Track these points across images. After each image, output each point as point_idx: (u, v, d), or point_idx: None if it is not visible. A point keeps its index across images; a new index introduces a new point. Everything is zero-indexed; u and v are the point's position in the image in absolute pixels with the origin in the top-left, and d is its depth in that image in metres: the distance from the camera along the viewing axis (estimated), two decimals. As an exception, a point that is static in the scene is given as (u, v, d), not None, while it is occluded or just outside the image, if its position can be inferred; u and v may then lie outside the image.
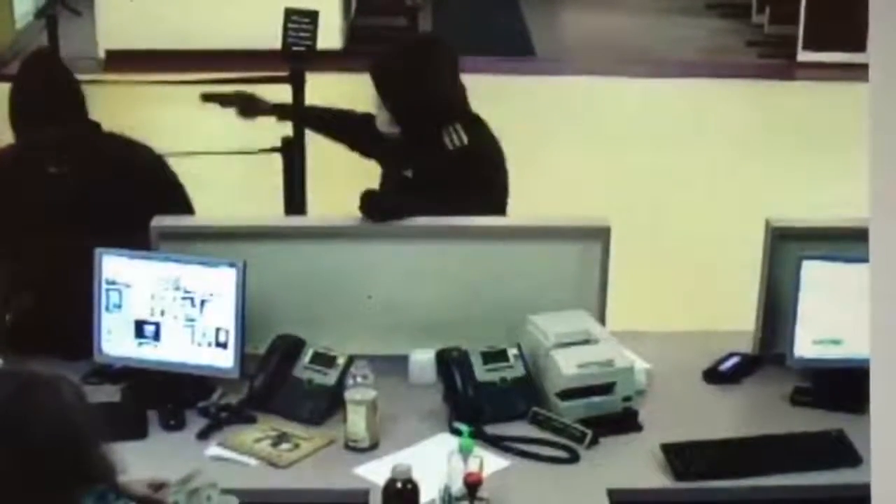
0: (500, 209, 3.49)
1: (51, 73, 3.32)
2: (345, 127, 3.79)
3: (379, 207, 3.24)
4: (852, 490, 2.67)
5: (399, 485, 2.53)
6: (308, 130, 4.45)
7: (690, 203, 6.74)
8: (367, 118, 3.62)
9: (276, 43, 5.88)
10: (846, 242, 2.98)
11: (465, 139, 3.43)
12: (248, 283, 3.01)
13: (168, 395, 3.00)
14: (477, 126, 3.51)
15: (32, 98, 3.23)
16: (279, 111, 3.98)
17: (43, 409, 2.00)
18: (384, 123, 3.50)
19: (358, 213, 3.24)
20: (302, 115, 4.31)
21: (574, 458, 2.83)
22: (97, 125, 3.37)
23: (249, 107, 3.86)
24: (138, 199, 3.23)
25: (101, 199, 3.20)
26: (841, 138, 7.52)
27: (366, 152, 3.71)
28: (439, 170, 3.38)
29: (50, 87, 3.25)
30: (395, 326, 3.24)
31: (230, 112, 3.64)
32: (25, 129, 3.22)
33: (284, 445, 2.86)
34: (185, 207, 3.39)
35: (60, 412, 2.01)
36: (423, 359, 3.15)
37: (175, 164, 3.49)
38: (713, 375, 3.21)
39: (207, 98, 3.93)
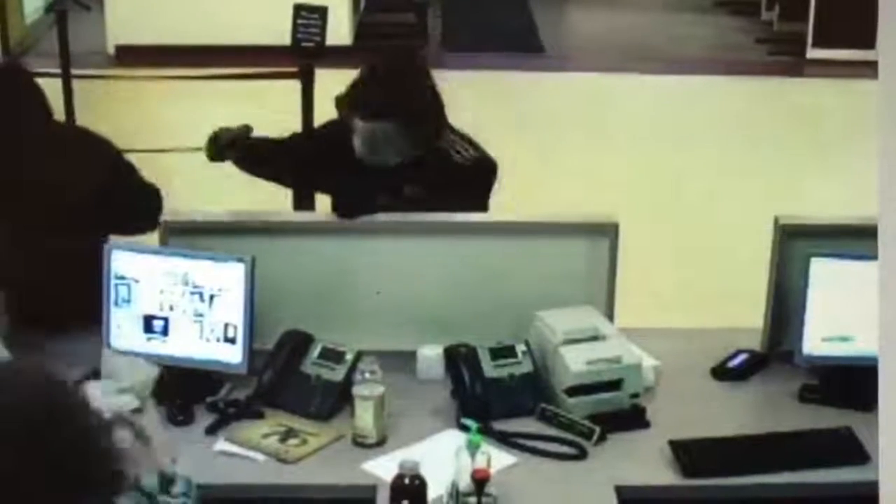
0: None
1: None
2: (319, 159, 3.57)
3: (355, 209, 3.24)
4: (860, 487, 2.66)
5: (407, 480, 2.54)
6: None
7: (699, 200, 6.74)
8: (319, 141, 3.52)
9: (284, 38, 5.87)
10: (855, 240, 2.98)
11: (472, 151, 3.44)
12: (257, 279, 3.02)
13: (176, 391, 3.01)
14: (466, 136, 3.50)
15: None
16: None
17: (60, 410, 1.97)
18: (372, 149, 3.35)
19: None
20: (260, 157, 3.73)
21: (582, 454, 2.83)
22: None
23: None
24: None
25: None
26: (850, 135, 7.52)
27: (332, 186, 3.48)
28: (454, 184, 3.37)
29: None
30: (404, 322, 3.24)
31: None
32: None
33: (292, 441, 2.87)
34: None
35: (75, 412, 2.00)
36: (431, 355, 3.15)
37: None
38: (721, 372, 3.21)
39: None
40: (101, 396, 2.75)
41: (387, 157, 3.35)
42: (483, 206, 3.47)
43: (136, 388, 2.87)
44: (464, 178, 3.42)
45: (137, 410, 2.77)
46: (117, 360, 2.98)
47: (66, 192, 3.28)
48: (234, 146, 3.53)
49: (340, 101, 3.39)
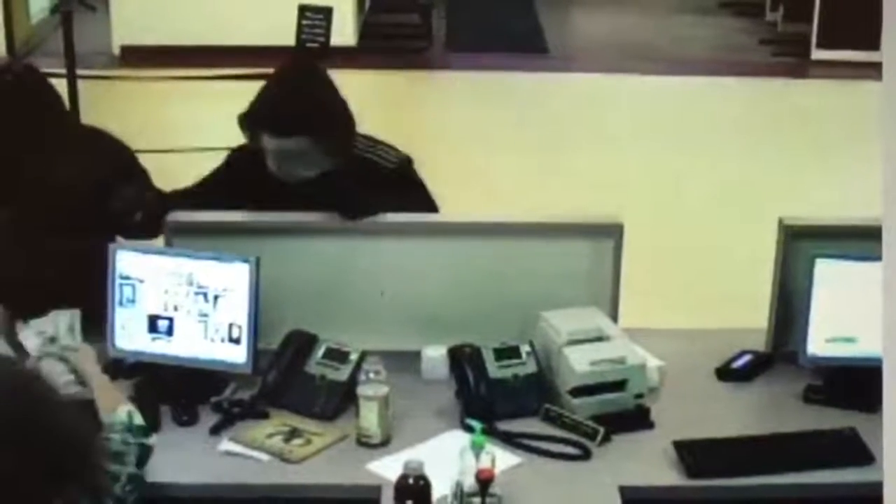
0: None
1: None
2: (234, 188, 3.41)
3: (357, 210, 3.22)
4: (864, 489, 2.66)
5: (411, 481, 2.54)
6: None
7: (703, 200, 6.74)
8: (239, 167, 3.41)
9: (289, 39, 5.89)
10: (859, 241, 2.98)
11: (391, 151, 3.43)
12: (262, 279, 3.02)
13: (181, 391, 3.01)
14: (371, 137, 3.46)
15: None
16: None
17: (41, 407, 2.04)
18: (287, 165, 3.27)
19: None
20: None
21: (586, 455, 2.83)
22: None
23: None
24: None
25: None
26: (854, 136, 7.52)
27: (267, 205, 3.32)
28: (390, 188, 3.33)
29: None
30: (408, 322, 3.24)
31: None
32: None
33: (296, 441, 2.87)
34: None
35: (56, 409, 2.07)
36: (435, 355, 3.15)
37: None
38: (726, 373, 3.21)
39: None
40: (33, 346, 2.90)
41: (303, 172, 3.27)
42: (432, 203, 3.43)
43: (61, 333, 2.91)
44: (397, 180, 3.38)
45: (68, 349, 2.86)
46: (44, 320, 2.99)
47: (76, 190, 3.28)
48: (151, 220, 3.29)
49: (245, 121, 3.29)
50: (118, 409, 2.60)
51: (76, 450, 2.08)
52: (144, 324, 3.08)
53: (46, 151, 3.31)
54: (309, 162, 3.26)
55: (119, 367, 3.09)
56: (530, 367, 3.03)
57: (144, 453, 2.56)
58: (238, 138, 3.40)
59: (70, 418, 2.11)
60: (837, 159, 7.45)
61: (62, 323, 2.91)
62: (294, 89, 3.32)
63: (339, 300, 3.25)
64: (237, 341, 3.03)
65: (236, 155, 3.49)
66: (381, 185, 3.32)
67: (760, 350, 3.27)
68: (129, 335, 3.09)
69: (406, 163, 3.45)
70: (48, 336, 2.96)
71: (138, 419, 2.59)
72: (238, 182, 3.39)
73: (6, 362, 2.37)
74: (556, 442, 2.87)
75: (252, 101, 3.31)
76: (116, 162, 3.45)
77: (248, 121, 3.29)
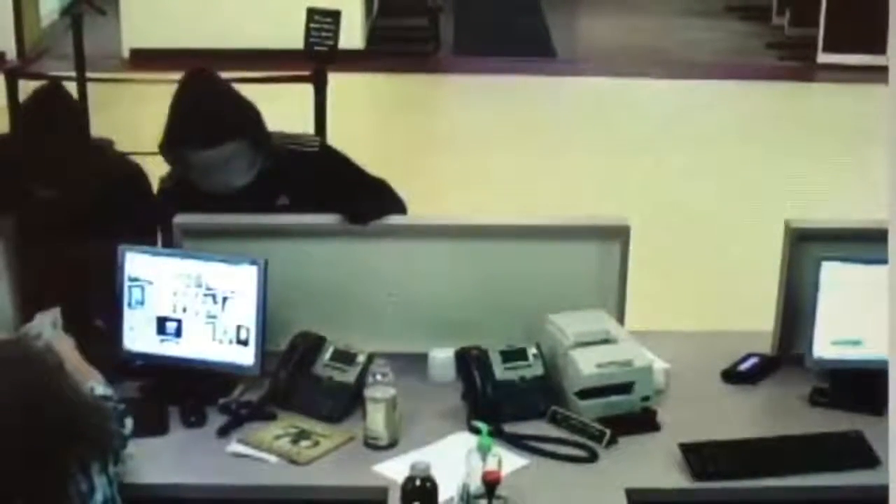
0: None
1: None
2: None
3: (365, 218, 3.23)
4: (870, 491, 2.66)
5: (418, 482, 2.54)
6: None
7: (710, 203, 6.75)
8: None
9: (298, 42, 5.91)
10: (866, 244, 2.98)
11: (306, 137, 3.45)
12: (270, 281, 3.03)
13: (189, 392, 3.02)
14: (280, 132, 3.45)
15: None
16: None
17: (49, 375, 2.27)
18: (214, 177, 3.25)
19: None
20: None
21: (592, 457, 2.84)
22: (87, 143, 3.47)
23: None
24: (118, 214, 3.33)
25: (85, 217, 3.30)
26: (861, 140, 7.52)
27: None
28: (318, 175, 3.34)
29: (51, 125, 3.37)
30: (415, 324, 3.25)
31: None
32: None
33: (304, 442, 2.88)
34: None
35: (62, 377, 2.31)
36: (442, 357, 3.16)
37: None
38: (732, 376, 3.21)
39: None
40: None
41: (231, 180, 3.26)
42: (364, 173, 3.43)
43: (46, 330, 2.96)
44: (326, 159, 3.41)
45: None
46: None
47: (85, 206, 3.32)
48: None
49: (165, 149, 3.25)
50: (87, 382, 2.71)
51: (82, 411, 2.29)
52: (153, 325, 3.09)
53: (67, 164, 3.36)
54: (237, 167, 3.25)
55: (127, 369, 3.11)
56: (537, 370, 3.04)
57: (121, 413, 2.67)
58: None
59: (75, 385, 2.35)
60: (843, 162, 7.45)
61: (47, 321, 2.96)
62: (200, 100, 3.27)
63: (347, 302, 3.26)
64: (245, 343, 3.04)
65: (167, 191, 3.43)
66: (311, 170, 3.32)
67: (767, 353, 3.28)
68: (138, 337, 3.10)
69: (323, 142, 3.48)
70: (35, 333, 2.99)
71: (100, 390, 2.70)
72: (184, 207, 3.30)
73: (18, 339, 2.70)
74: (563, 444, 2.88)
75: (165, 128, 3.26)
76: (125, 172, 3.51)
77: (167, 147, 3.25)
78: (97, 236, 3.25)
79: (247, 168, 3.28)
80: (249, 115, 3.31)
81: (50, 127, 3.39)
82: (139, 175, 3.56)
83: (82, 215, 3.32)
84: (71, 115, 3.53)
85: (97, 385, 2.71)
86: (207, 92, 3.32)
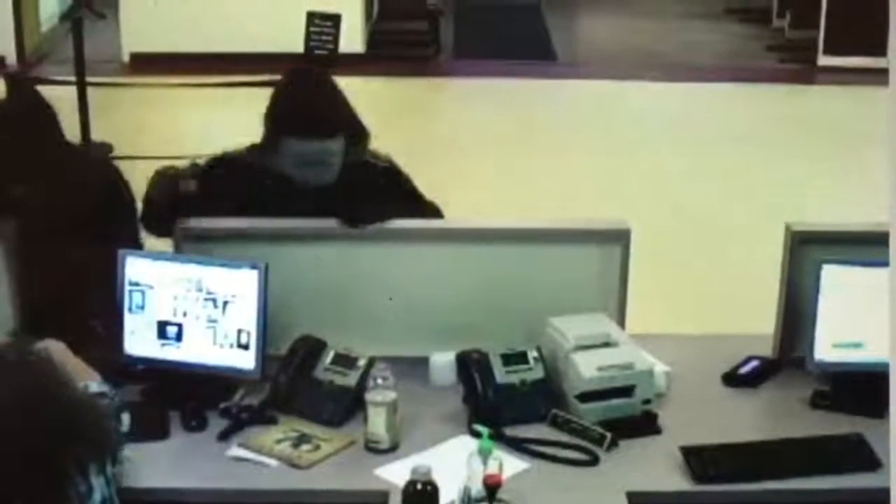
0: None
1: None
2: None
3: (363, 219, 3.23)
4: (871, 494, 2.66)
5: (419, 486, 2.54)
6: None
7: (710, 207, 6.75)
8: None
9: (298, 46, 5.91)
10: (866, 246, 2.98)
11: (381, 154, 3.47)
12: (270, 285, 3.03)
13: (190, 396, 3.02)
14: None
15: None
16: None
17: (47, 378, 2.26)
18: (314, 169, 3.27)
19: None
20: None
21: (593, 460, 2.84)
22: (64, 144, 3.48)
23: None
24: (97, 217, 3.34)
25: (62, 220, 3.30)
26: (861, 142, 7.52)
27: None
28: (382, 189, 3.38)
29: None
30: (416, 328, 3.25)
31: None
32: None
33: (305, 446, 2.88)
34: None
35: (60, 380, 2.30)
36: (443, 360, 3.16)
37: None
38: (733, 379, 3.21)
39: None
40: None
41: (327, 175, 3.31)
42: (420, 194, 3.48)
43: None
44: (391, 176, 3.45)
45: None
46: None
47: (70, 210, 3.33)
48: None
49: (273, 124, 3.28)
50: (83, 381, 2.70)
51: (80, 412, 2.29)
52: (154, 330, 3.09)
53: (45, 171, 3.35)
54: (335, 163, 3.30)
55: (128, 373, 3.11)
56: (538, 373, 3.04)
57: (116, 409, 2.67)
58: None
59: (72, 386, 2.35)
60: (844, 165, 7.46)
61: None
62: (314, 93, 3.35)
63: (348, 306, 3.26)
64: (246, 347, 3.04)
65: (211, 170, 3.43)
66: (378, 185, 3.37)
67: (767, 356, 3.28)
68: (139, 341, 3.10)
69: (390, 159, 3.50)
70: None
71: (95, 387, 2.70)
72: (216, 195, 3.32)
73: (14, 341, 2.74)
74: (564, 447, 2.88)
75: (276, 106, 3.32)
76: (105, 179, 3.52)
77: (275, 124, 3.31)
78: (88, 240, 3.26)
79: (338, 166, 3.31)
80: (353, 115, 3.35)
81: (18, 129, 3.38)
82: (117, 177, 3.56)
83: (65, 218, 3.32)
84: (39, 118, 3.50)
85: (91, 383, 2.71)
86: (322, 86, 3.38)
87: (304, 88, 3.39)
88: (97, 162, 3.60)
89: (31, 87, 3.64)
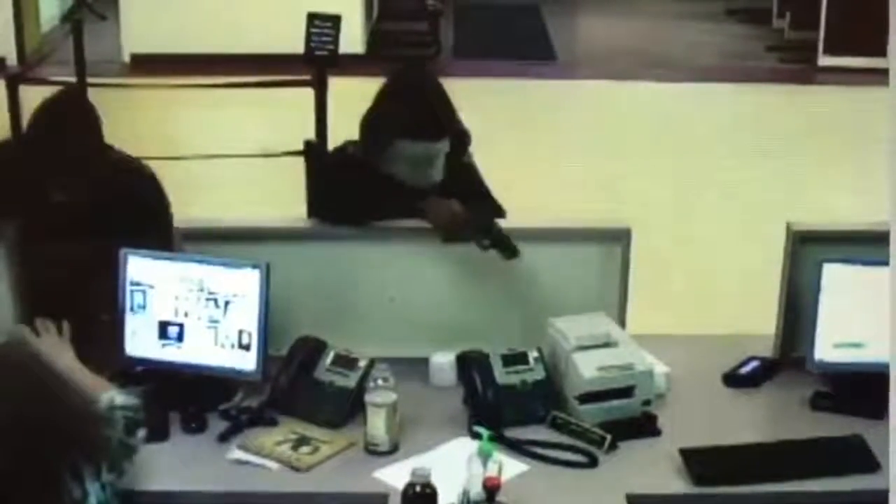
0: None
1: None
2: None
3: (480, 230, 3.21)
4: (871, 496, 2.66)
5: (418, 488, 2.54)
6: None
7: (711, 206, 6.75)
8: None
9: (298, 47, 5.92)
10: (867, 246, 2.98)
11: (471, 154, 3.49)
12: (271, 285, 3.03)
13: (190, 398, 3.01)
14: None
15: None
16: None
17: (42, 382, 2.28)
18: (423, 171, 3.26)
19: None
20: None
21: (593, 462, 2.83)
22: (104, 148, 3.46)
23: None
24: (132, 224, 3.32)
25: (100, 225, 3.29)
26: (861, 142, 7.52)
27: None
28: (465, 183, 3.39)
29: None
30: (416, 329, 3.25)
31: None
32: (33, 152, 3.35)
33: (304, 448, 2.87)
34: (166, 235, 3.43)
35: (56, 384, 2.33)
36: (443, 361, 3.16)
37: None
38: (733, 379, 3.21)
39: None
40: None
41: (435, 175, 3.29)
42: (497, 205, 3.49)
43: None
44: (470, 177, 3.48)
45: None
46: None
47: (111, 219, 3.32)
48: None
49: (382, 127, 3.25)
50: (102, 393, 2.65)
51: (75, 418, 2.30)
52: (155, 330, 3.09)
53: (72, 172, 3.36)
54: (441, 165, 3.27)
55: (129, 374, 3.10)
56: (538, 374, 3.03)
57: (132, 423, 2.60)
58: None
59: (69, 392, 2.37)
60: (844, 165, 7.45)
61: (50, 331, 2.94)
62: (427, 95, 3.33)
63: (348, 307, 3.26)
64: (247, 348, 3.04)
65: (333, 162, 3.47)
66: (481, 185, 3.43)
67: (768, 356, 3.28)
68: (140, 341, 3.10)
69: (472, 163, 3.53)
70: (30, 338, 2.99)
71: (119, 399, 2.63)
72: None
73: (11, 344, 2.67)
74: (564, 449, 2.87)
75: (382, 109, 3.28)
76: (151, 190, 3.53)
77: (384, 127, 3.25)
78: (106, 234, 3.25)
79: (439, 168, 3.29)
80: (456, 115, 3.36)
81: (62, 129, 3.38)
82: (151, 174, 3.57)
83: (98, 215, 3.32)
84: (84, 117, 3.51)
85: (116, 396, 2.63)
86: (433, 88, 3.37)
87: (413, 89, 3.37)
88: (141, 171, 3.57)
89: (76, 89, 3.63)
